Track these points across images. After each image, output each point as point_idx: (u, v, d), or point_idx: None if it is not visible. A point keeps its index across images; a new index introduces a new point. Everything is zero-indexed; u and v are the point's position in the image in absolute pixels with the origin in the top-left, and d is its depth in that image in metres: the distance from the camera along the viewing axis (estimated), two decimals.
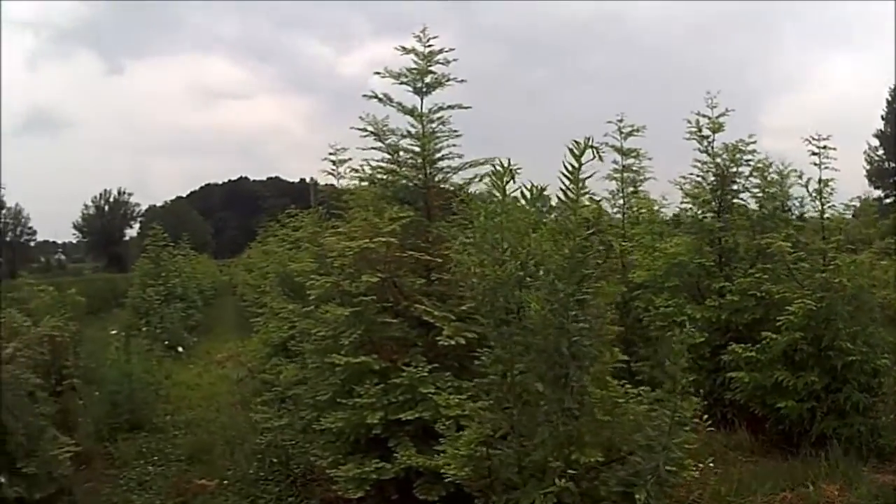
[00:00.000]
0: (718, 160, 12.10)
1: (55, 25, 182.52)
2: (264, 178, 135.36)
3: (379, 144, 8.91)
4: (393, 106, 8.76)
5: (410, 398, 7.31)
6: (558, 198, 6.02)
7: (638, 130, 14.15)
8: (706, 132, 12.20)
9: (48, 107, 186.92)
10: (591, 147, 5.33)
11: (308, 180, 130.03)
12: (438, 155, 8.68)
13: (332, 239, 8.44)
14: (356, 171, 9.27)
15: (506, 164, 5.70)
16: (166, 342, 20.99)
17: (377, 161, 8.98)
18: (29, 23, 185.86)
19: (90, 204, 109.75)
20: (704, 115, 12.19)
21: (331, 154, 14.08)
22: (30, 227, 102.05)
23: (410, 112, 8.73)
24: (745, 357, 10.02)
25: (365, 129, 8.89)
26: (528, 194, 5.63)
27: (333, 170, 14.11)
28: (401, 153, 8.84)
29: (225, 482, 9.63)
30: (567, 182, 5.31)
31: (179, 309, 24.99)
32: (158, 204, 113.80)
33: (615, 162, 14.40)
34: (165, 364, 18.48)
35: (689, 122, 12.32)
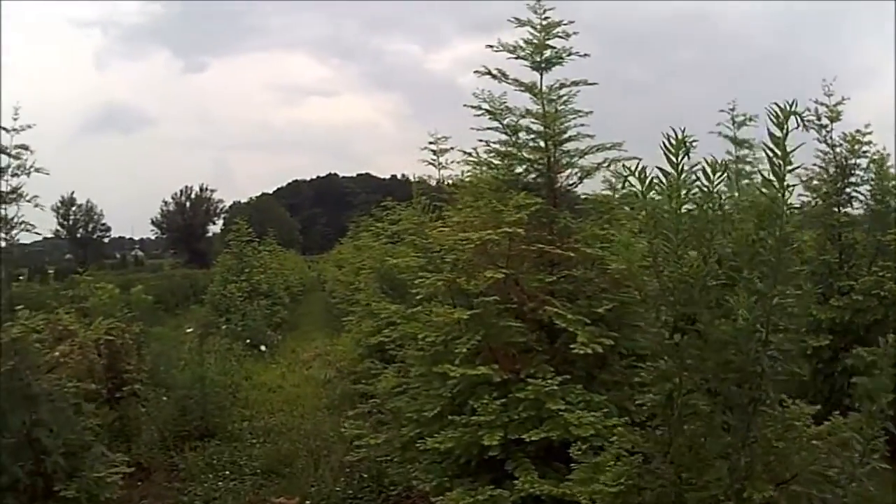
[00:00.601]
0: (838, 150, 11.11)
1: (124, 24, 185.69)
2: (354, 175, 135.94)
3: (495, 125, 7.83)
4: (509, 83, 7.70)
5: (534, 415, 6.21)
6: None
7: (751, 120, 13.67)
8: (824, 121, 11.11)
9: (123, 105, 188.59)
10: (795, 114, 4.12)
11: (399, 177, 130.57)
12: (565, 136, 7.55)
13: (442, 231, 7.33)
14: (468, 153, 8.08)
15: (679, 135, 4.44)
16: (248, 340, 20.08)
17: (493, 143, 7.87)
18: (95, 22, 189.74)
19: (170, 200, 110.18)
20: (822, 104, 11.13)
21: (431, 144, 13.25)
22: (103, 224, 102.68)
23: (530, 89, 7.66)
24: (869, 361, 8.91)
25: (479, 107, 7.81)
26: (709, 171, 4.37)
27: (434, 160, 13.35)
28: (521, 134, 7.74)
29: (307, 502, 8.65)
30: (772, 154, 4.08)
31: (263, 306, 24.04)
32: (243, 200, 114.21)
33: (728, 153, 14.03)
34: (246, 364, 17.65)
35: (808, 109, 10.98)
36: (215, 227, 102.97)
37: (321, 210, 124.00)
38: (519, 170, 7.79)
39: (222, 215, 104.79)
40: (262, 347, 19.90)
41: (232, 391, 13.69)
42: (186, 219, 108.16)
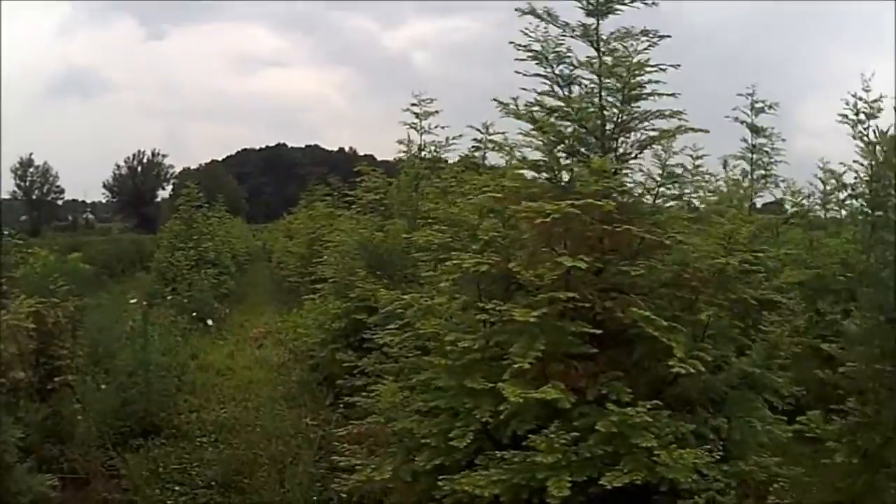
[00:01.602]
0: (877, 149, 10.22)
1: None
2: (303, 146, 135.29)
3: (545, 72, 6.21)
4: (557, 26, 6.19)
5: (611, 451, 4.62)
6: None
7: (771, 107, 12.09)
8: (861, 116, 10.58)
9: (84, 70, 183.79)
10: None
11: (347, 149, 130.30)
12: (638, 90, 5.97)
13: (479, 199, 5.61)
14: (504, 104, 6.35)
15: None
16: (194, 313, 18.10)
17: (539, 95, 6.22)
18: None
19: (122, 164, 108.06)
20: (860, 98, 10.61)
21: (413, 105, 11.84)
22: (58, 186, 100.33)
23: (586, 33, 6.15)
24: None
25: (528, 49, 6.16)
26: None
27: (415, 123, 12.14)
28: (574, 87, 6.16)
29: None
30: None
31: (210, 275, 22.08)
32: (193, 167, 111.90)
33: (744, 139, 12.29)
34: (191, 340, 15.82)
35: (847, 103, 10.70)
36: (164, 193, 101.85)
37: (268, 180, 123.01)
38: (569, 130, 6.14)
39: (172, 181, 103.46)
40: (209, 322, 17.99)
41: (177, 374, 11.88)
42: (137, 183, 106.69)
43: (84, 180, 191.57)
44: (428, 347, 6.01)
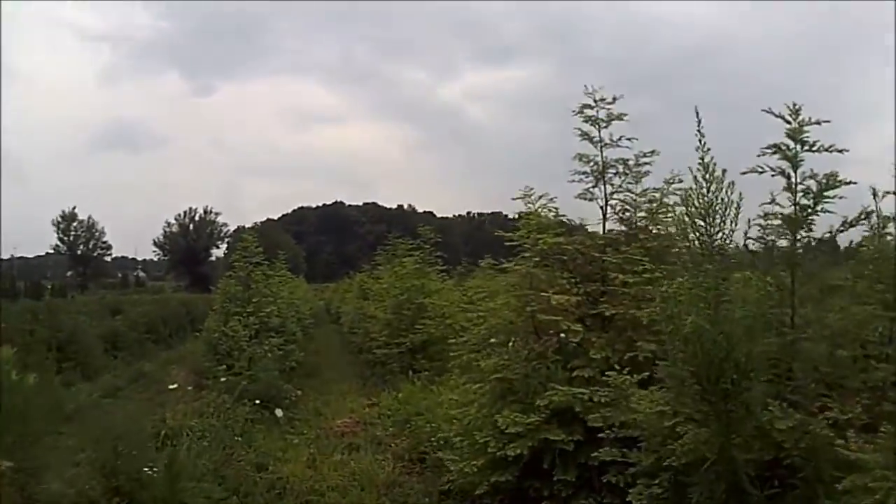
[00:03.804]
0: None
1: (133, 39, 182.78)
2: (360, 204, 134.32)
3: None
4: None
5: None
6: None
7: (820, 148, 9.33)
8: None
9: (130, 123, 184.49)
10: None
11: (406, 206, 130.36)
12: None
13: None
14: None
15: None
16: (257, 400, 13.80)
17: None
18: (104, 36, 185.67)
19: (173, 221, 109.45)
20: None
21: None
22: (104, 242, 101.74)
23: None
24: None
25: None
26: None
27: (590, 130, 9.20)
28: None
29: None
30: None
31: (275, 345, 17.83)
32: (248, 225, 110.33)
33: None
34: (256, 438, 11.78)
35: None
36: (219, 252, 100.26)
37: (325, 238, 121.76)
38: None
39: (226, 240, 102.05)
40: (279, 412, 13.61)
41: None
42: (189, 241, 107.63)
43: (134, 237, 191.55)
44: None
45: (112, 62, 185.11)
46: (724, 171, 6.09)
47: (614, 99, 8.67)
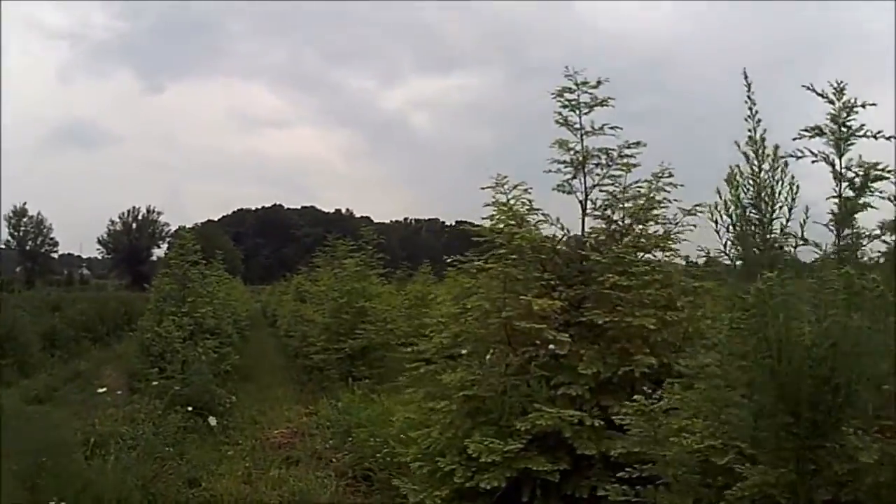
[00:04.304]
0: None
1: (89, 39, 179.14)
2: (299, 207, 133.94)
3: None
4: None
5: None
6: None
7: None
8: None
9: (83, 121, 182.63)
10: None
11: (344, 211, 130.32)
12: None
13: None
14: None
15: None
16: (189, 407, 13.09)
17: None
18: (65, 34, 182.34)
19: (117, 220, 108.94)
20: None
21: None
22: (52, 238, 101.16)
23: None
24: None
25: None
26: None
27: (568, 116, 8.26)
28: None
29: None
30: None
31: (210, 348, 17.07)
32: (188, 225, 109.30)
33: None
34: (188, 449, 11.09)
35: None
36: (160, 252, 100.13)
37: (264, 240, 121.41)
38: None
39: (167, 239, 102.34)
40: (212, 420, 12.94)
41: None
42: (131, 240, 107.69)
43: (81, 235, 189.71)
44: None
45: (69, 59, 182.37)
46: (776, 146, 5.48)
47: (598, 83, 7.75)
